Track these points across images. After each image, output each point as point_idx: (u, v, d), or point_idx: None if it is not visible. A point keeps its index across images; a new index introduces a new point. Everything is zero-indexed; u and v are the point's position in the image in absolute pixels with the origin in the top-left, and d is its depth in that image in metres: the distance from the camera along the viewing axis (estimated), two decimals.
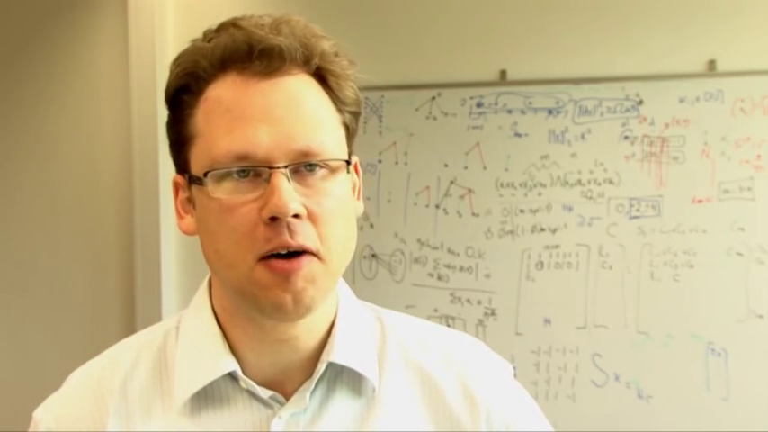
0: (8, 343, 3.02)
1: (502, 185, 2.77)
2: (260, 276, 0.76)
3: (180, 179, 0.83)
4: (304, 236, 0.76)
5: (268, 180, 0.75)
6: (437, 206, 2.79)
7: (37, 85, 2.99)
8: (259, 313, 0.79)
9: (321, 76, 0.80)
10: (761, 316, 2.67)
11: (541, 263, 2.75)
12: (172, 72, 0.81)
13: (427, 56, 2.81)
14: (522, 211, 2.76)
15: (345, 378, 0.84)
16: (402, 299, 2.76)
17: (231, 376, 0.82)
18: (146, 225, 2.84)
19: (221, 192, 0.76)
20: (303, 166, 0.76)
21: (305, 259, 0.76)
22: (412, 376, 0.86)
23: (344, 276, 0.89)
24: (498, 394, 0.87)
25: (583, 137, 2.74)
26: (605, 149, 2.73)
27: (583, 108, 2.74)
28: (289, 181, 0.75)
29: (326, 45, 0.80)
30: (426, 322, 0.93)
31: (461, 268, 2.78)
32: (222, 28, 0.80)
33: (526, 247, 2.76)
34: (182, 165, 0.82)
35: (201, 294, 0.87)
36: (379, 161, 2.80)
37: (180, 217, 0.84)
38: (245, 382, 0.81)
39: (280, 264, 0.75)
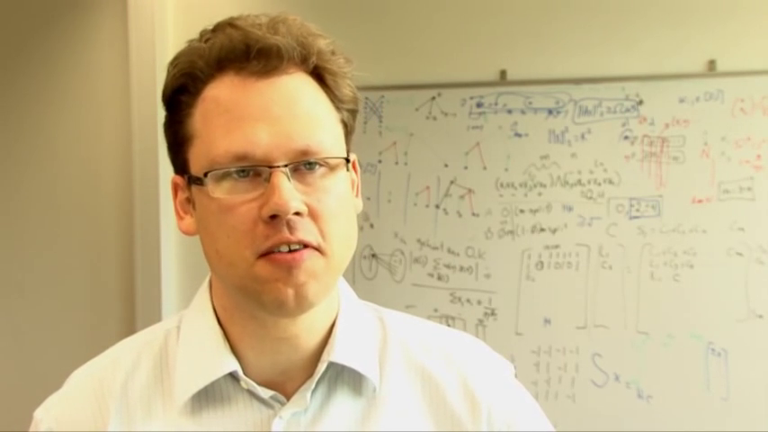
0: (8, 343, 3.02)
1: (502, 185, 2.77)
2: (261, 271, 0.76)
3: (179, 180, 0.83)
4: (305, 231, 0.76)
5: (268, 179, 0.75)
6: (437, 206, 2.79)
7: (37, 86, 2.98)
8: (261, 309, 0.79)
9: (318, 75, 0.80)
10: (761, 316, 2.67)
11: (541, 263, 2.75)
12: (169, 73, 0.81)
13: (427, 56, 2.81)
14: (522, 211, 2.76)
15: (346, 378, 0.84)
16: (402, 299, 2.76)
17: (232, 376, 0.82)
18: (146, 225, 2.84)
19: (221, 191, 0.77)
20: (303, 164, 0.76)
21: (306, 252, 0.76)
22: (413, 376, 0.86)
23: (344, 276, 0.89)
24: (499, 394, 0.87)
25: (583, 137, 2.74)
26: (605, 149, 2.73)
27: (583, 108, 2.74)
28: (289, 179, 0.75)
29: (323, 43, 0.80)
30: (427, 322, 0.93)
31: (461, 268, 2.78)
32: (219, 28, 0.80)
33: (526, 247, 2.76)
34: (180, 165, 0.82)
35: (202, 294, 0.88)
36: (379, 161, 2.79)
37: (179, 217, 0.84)
38: (246, 382, 0.81)
39: (281, 256, 0.75)
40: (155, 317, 2.77)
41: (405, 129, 2.80)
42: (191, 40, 0.81)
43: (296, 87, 0.78)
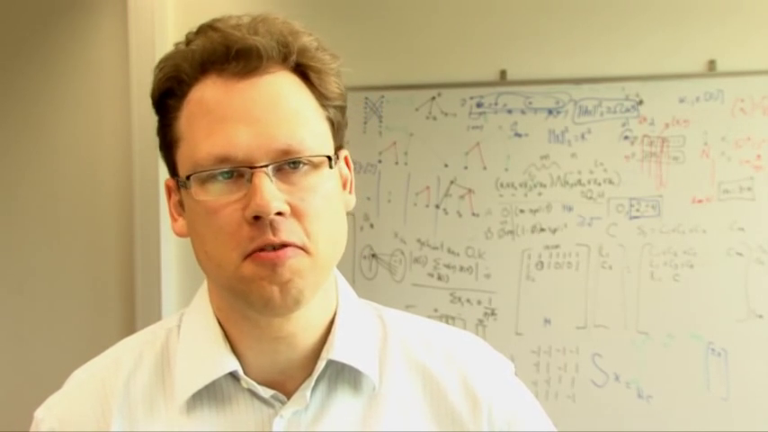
0: (8, 343, 3.02)
1: (502, 185, 2.77)
2: (246, 271, 0.76)
3: (171, 182, 0.84)
4: (288, 232, 0.76)
5: (250, 180, 0.75)
6: (437, 206, 2.79)
7: (37, 86, 2.98)
8: (250, 309, 0.79)
9: (302, 73, 0.80)
10: (761, 316, 2.67)
11: (541, 263, 2.75)
12: (155, 77, 0.81)
13: (427, 56, 2.81)
14: (522, 211, 2.76)
15: (346, 376, 0.84)
16: (402, 299, 2.76)
17: (232, 376, 0.82)
18: (146, 225, 2.84)
19: (205, 194, 0.77)
20: (286, 163, 0.76)
21: (290, 250, 0.76)
22: (413, 374, 0.86)
23: (344, 276, 0.90)
24: (500, 393, 0.87)
25: (583, 137, 2.74)
26: (605, 149, 2.73)
27: (583, 108, 2.74)
28: (271, 180, 0.75)
29: (306, 41, 0.80)
30: (427, 320, 0.94)
31: (461, 268, 2.78)
32: (201, 30, 0.80)
33: (526, 247, 2.76)
34: (171, 168, 0.83)
35: (202, 294, 0.88)
36: (379, 161, 2.79)
37: (173, 219, 0.85)
38: (246, 381, 0.82)
39: (265, 254, 0.75)
40: (155, 317, 2.77)
41: (405, 129, 2.80)
42: (176, 43, 0.81)
43: (278, 86, 0.78)
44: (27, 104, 3.00)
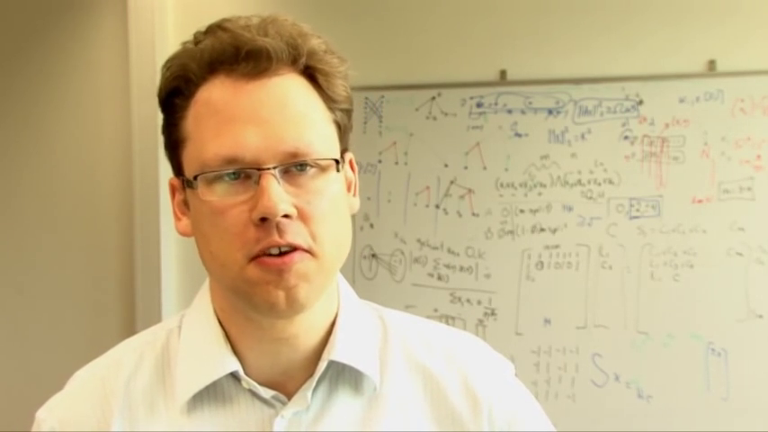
0: (8, 343, 3.02)
1: (502, 185, 2.77)
2: (251, 274, 0.76)
3: (175, 181, 0.83)
4: (294, 234, 0.76)
5: (258, 181, 0.75)
6: (437, 206, 2.79)
7: (37, 86, 2.98)
8: (253, 311, 0.79)
9: (310, 75, 0.80)
10: (761, 316, 2.67)
11: (541, 263, 2.75)
12: (163, 75, 0.81)
13: (427, 56, 2.81)
14: (522, 211, 2.76)
15: (347, 377, 0.84)
16: (402, 299, 2.76)
17: (233, 376, 0.82)
18: (146, 225, 2.84)
19: (212, 194, 0.77)
20: (293, 166, 0.76)
21: (296, 255, 0.76)
22: (414, 375, 0.86)
23: (345, 276, 0.90)
24: (500, 393, 0.87)
25: (583, 137, 2.74)
26: (605, 149, 2.73)
27: (583, 108, 2.74)
28: (278, 182, 0.75)
29: (315, 43, 0.80)
30: (428, 321, 0.94)
31: (461, 268, 2.78)
32: (210, 30, 0.80)
33: (526, 247, 2.76)
34: (176, 167, 0.82)
35: (203, 295, 0.88)
36: (379, 161, 2.79)
37: (177, 219, 0.85)
38: (247, 381, 0.82)
39: (271, 260, 0.75)
40: (155, 317, 2.77)
41: (405, 129, 2.80)
42: (184, 43, 0.81)
43: (286, 88, 0.78)
44: (27, 104, 3.00)
